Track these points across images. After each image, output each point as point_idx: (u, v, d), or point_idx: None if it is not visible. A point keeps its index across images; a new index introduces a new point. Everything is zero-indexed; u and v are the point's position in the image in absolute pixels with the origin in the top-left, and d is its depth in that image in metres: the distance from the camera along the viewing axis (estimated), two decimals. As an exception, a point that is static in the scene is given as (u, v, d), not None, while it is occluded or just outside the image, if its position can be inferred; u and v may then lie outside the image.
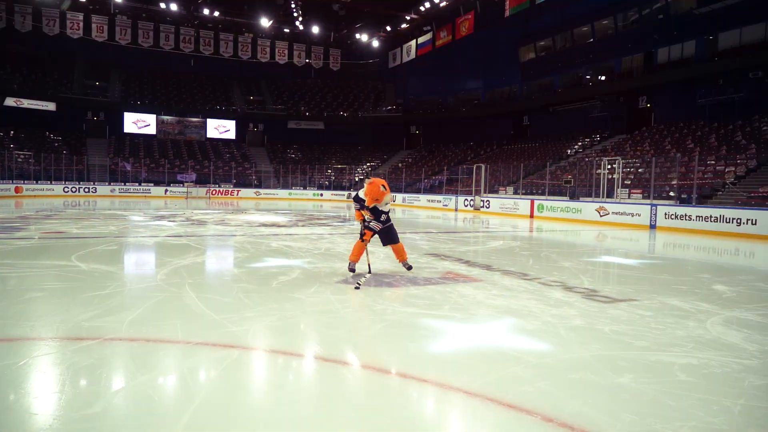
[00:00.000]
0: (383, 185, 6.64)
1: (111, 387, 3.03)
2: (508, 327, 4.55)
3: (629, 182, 23.38)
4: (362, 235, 6.83)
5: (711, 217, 16.13)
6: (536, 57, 37.33)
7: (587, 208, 20.18)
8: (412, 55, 44.66)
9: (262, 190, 40.51)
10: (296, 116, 49.21)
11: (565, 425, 2.63)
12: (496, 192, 29.16)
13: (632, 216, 18.37)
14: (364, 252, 6.93)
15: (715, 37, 27.88)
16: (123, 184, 37.49)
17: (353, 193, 7.01)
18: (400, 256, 7.11)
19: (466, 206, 27.25)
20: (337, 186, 42.59)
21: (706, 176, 21.59)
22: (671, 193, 21.22)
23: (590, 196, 22.62)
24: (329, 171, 45.21)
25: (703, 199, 19.67)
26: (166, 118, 46.33)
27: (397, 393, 3.12)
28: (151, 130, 45.80)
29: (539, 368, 3.49)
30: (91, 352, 3.59)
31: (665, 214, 17.40)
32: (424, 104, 47.23)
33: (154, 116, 45.76)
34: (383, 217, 6.78)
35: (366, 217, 6.83)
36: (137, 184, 38.01)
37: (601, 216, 19.39)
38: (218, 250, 9.81)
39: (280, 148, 48.88)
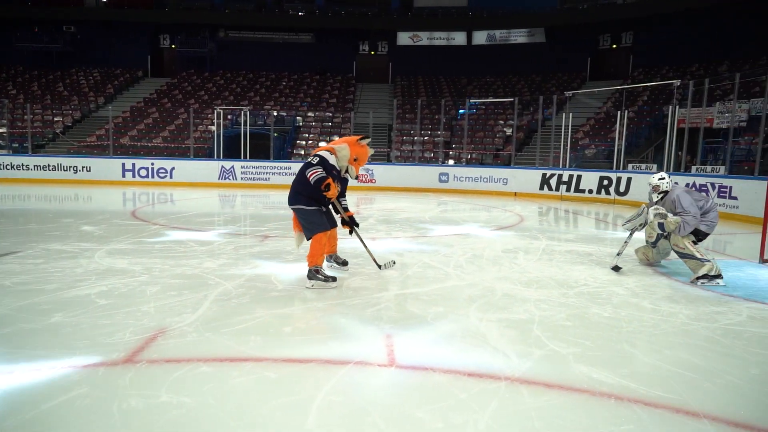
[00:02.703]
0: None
1: None
2: None
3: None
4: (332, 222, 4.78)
5: (49, 165, 16.45)
6: None
7: None
8: None
9: None
10: None
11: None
12: None
13: (-42, 168, 16.14)
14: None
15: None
16: None
17: (315, 159, 4.51)
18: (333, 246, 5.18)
19: None
20: None
21: (36, 125, 21.34)
22: (2, 143, 19.83)
23: None
24: None
25: (38, 149, 19.55)
26: None
27: None
28: None
29: (-43, 336, 3.19)
30: None
31: (1, 164, 16.31)
32: None
33: None
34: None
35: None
36: None
37: None
38: None
39: None
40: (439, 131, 21.33)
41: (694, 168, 12.51)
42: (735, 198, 10.40)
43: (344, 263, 5.21)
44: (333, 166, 4.52)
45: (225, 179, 16.95)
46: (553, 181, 15.03)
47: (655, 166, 14.03)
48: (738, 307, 4.19)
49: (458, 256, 6.04)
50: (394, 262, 5.31)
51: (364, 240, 5.17)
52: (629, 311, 4.00)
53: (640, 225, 5.55)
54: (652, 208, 5.23)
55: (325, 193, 4.39)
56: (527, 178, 15.70)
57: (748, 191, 10.16)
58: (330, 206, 4.79)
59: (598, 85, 25.38)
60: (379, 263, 5.16)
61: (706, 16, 23.36)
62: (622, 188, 13.47)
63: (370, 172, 16.87)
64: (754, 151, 14.13)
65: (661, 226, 5.19)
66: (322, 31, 30.12)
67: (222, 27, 30.33)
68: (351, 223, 4.86)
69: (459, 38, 29.97)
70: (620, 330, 3.57)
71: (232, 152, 19.00)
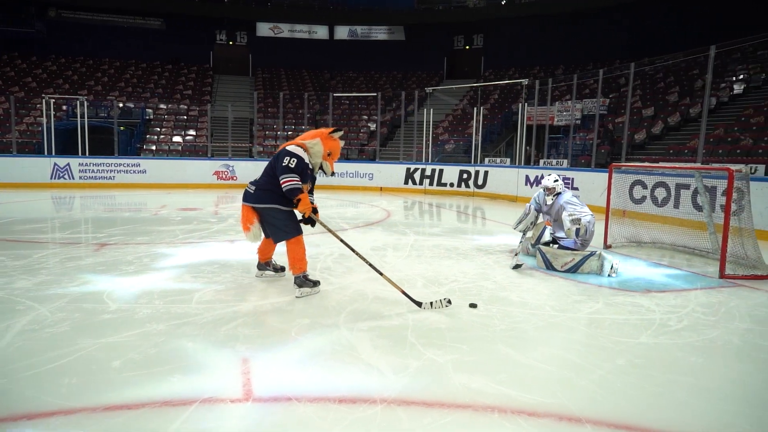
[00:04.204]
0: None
1: None
2: None
3: None
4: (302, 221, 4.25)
5: None
6: None
7: None
8: None
9: None
10: None
11: None
12: None
13: None
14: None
15: None
16: None
17: (293, 162, 4.03)
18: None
19: None
20: None
21: None
22: None
23: None
24: None
25: None
26: None
27: None
28: None
29: None
30: None
31: None
32: None
33: None
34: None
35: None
36: None
37: None
38: None
39: None
40: (303, 126, 20.74)
41: (541, 161, 13.50)
42: (576, 188, 11.36)
43: (282, 269, 4.74)
44: (307, 164, 4.16)
45: (59, 179, 14.77)
46: (417, 176, 15.34)
47: (508, 160, 14.92)
48: (594, 295, 4.36)
49: (325, 257, 5.67)
50: (450, 302, 3.81)
51: (364, 257, 4.27)
52: (499, 307, 3.94)
53: (531, 224, 5.67)
54: (566, 214, 5.25)
55: (295, 209, 4.12)
56: (392, 172, 15.84)
57: (586, 182, 11.16)
58: None
59: (454, 83, 26.64)
60: (417, 300, 3.83)
61: (544, 23, 25.61)
62: (480, 181, 14.12)
63: (230, 168, 15.82)
64: (589, 146, 15.70)
65: (577, 231, 5.22)
66: (175, 17, 27.75)
67: (52, 5, 26.57)
68: (307, 220, 4.20)
69: (321, 32, 29.55)
70: (493, 329, 3.45)
71: (67, 148, 16.64)
